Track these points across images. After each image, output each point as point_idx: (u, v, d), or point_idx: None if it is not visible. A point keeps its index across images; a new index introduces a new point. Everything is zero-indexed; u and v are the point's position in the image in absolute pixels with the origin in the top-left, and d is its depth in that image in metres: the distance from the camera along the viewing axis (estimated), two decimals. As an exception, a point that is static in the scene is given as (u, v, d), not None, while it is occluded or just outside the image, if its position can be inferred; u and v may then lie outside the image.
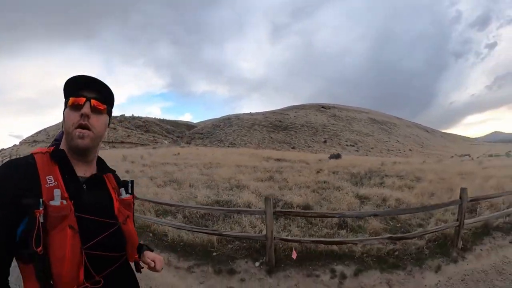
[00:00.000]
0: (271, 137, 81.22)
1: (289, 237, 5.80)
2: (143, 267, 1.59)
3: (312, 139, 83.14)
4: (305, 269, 5.16)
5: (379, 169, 17.87)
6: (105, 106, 1.37)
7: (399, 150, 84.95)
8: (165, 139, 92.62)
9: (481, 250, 6.16)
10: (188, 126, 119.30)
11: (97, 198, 1.32)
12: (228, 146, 68.47)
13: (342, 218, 6.83)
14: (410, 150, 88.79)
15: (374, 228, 6.73)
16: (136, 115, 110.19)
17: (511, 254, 6.15)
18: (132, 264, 1.56)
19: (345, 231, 6.67)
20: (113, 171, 1.53)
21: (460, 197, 6.02)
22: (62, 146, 1.34)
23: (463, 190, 6.06)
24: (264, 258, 5.36)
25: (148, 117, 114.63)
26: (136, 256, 1.53)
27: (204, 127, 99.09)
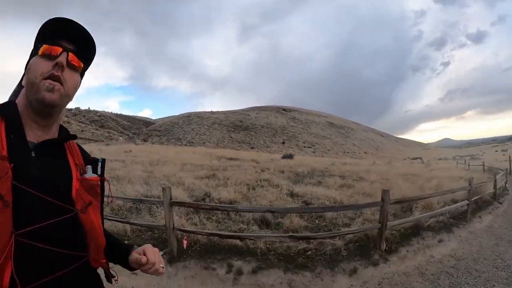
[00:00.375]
0: (231, 137, 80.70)
1: (187, 228, 5.73)
2: (114, 276, 1.16)
3: (271, 140, 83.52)
4: (204, 262, 5.03)
5: (326, 169, 17.83)
6: (81, 64, 1.07)
7: (354, 152, 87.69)
8: (121, 136, 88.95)
9: (407, 251, 5.93)
10: (146, 122, 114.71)
11: (50, 171, 0.96)
12: (186, 145, 66.86)
13: (262, 214, 6.62)
14: (365, 152, 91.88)
15: (293, 226, 6.36)
16: (92, 108, 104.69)
17: (438, 253, 6.06)
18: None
19: (257, 227, 6.39)
20: (74, 137, 1.13)
21: (382, 199, 5.68)
22: (18, 101, 1.03)
23: (385, 192, 5.72)
24: (168, 248, 5.32)
25: (105, 112, 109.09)
26: (104, 260, 1.10)
27: (162, 124, 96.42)
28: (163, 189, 5.23)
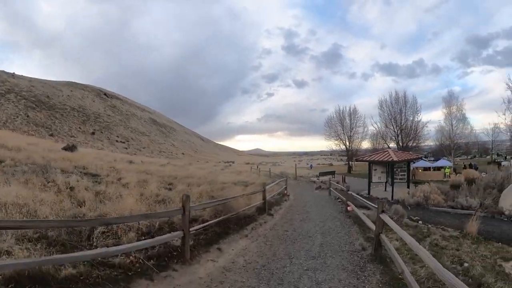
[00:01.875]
0: (28, 116, 63.41)
1: None
2: None
3: (80, 128, 69.96)
4: None
5: (89, 166, 14.39)
6: None
7: (171, 152, 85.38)
8: None
9: None
10: None
11: None
12: (-45, 119, 50.15)
13: None
14: (182, 154, 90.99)
15: None
16: None
17: None
18: None
19: None
20: None
21: None
22: None
23: None
24: None
25: None
26: None
27: None
28: None
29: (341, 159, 72.18)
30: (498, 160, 49.03)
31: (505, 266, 6.02)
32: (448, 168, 35.98)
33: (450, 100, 46.25)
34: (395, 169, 18.08)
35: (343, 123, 56.55)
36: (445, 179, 30.82)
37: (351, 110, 56.80)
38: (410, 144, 47.66)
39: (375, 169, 18.94)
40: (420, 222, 10.15)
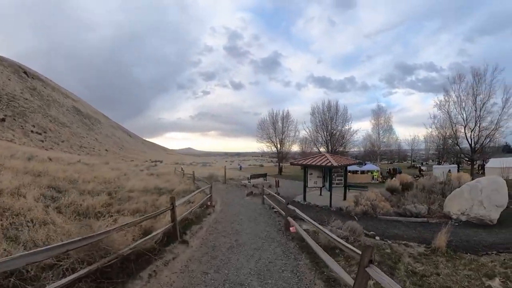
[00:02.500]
0: None
1: None
2: None
3: None
4: None
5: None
6: None
7: (94, 148, 77.78)
8: None
9: None
10: None
11: None
12: None
13: None
14: (106, 150, 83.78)
15: None
16: None
17: None
18: None
19: None
20: None
21: None
22: None
23: None
24: None
25: None
26: None
27: None
28: None
29: (271, 160, 74.05)
30: (418, 165, 56.04)
31: (494, 286, 5.47)
32: (376, 172, 38.73)
33: (379, 113, 51.17)
34: (332, 174, 17.23)
35: (276, 126, 58.10)
36: (372, 182, 34.21)
37: (284, 114, 58.44)
38: (339, 149, 50.00)
39: (311, 174, 18.06)
40: (378, 237, 8.99)
